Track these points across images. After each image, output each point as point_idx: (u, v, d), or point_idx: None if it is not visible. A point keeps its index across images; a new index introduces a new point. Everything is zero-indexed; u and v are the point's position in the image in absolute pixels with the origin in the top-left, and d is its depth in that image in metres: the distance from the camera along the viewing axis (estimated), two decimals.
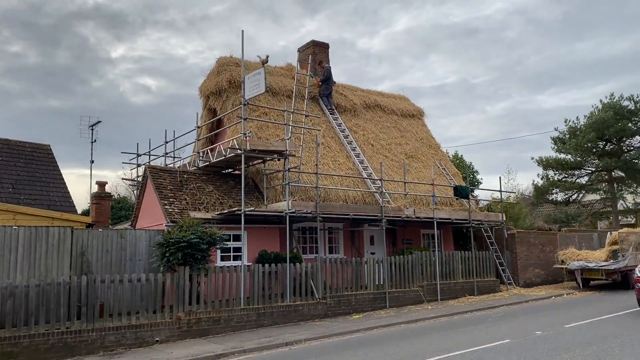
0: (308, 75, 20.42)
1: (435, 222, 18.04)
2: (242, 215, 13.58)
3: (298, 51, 22.96)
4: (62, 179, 17.24)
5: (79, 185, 67.35)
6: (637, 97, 29.91)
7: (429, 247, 19.60)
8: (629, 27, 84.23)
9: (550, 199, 33.17)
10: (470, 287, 18.32)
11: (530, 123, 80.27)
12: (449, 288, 17.70)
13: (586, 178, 32.65)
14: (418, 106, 25.27)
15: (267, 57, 15.30)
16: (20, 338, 9.94)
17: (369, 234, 18.93)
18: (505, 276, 20.13)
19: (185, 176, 15.87)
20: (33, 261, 11.37)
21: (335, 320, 13.78)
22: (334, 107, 20.89)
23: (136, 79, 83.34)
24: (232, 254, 14.70)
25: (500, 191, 21.48)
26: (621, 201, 32.42)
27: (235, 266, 13.46)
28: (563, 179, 32.39)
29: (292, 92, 19.38)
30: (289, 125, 15.79)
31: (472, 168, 31.21)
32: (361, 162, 19.15)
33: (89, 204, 23.22)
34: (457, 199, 20.29)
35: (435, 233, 18.54)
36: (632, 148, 30.73)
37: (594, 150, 30.84)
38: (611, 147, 30.93)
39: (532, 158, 40.70)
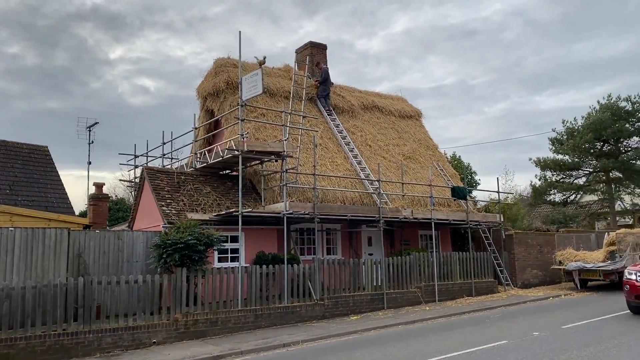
0: (306, 77, 20.44)
1: (433, 223, 18.07)
2: (240, 216, 13.56)
3: (296, 52, 22.94)
4: (60, 180, 17.24)
5: (78, 187, 67.32)
6: (635, 98, 29.97)
7: (427, 248, 19.60)
8: (627, 29, 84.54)
9: (548, 199, 33.26)
10: (468, 288, 18.33)
11: (528, 124, 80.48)
12: (447, 289, 17.70)
13: (584, 179, 32.72)
14: (416, 107, 25.30)
15: (265, 58, 15.32)
16: (17, 340, 9.90)
17: (366, 235, 18.92)
18: (503, 277, 20.15)
19: (182, 177, 15.85)
20: (29, 263, 11.34)
21: (333, 322, 13.77)
22: (331, 108, 20.89)
23: (134, 80, 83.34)
24: (229, 255, 14.70)
25: (498, 192, 21.51)
26: (619, 202, 32.46)
27: (232, 267, 13.44)
28: (561, 180, 32.44)
29: (290, 93, 19.39)
30: (287, 126, 15.78)
31: (470, 169, 31.26)
32: (359, 163, 19.14)
33: (86, 206, 23.20)
34: (454, 200, 20.29)
35: (433, 234, 18.59)
36: (629, 149, 30.80)
37: (592, 151, 30.91)
38: (609, 148, 30.99)
39: (530, 159, 40.86)
